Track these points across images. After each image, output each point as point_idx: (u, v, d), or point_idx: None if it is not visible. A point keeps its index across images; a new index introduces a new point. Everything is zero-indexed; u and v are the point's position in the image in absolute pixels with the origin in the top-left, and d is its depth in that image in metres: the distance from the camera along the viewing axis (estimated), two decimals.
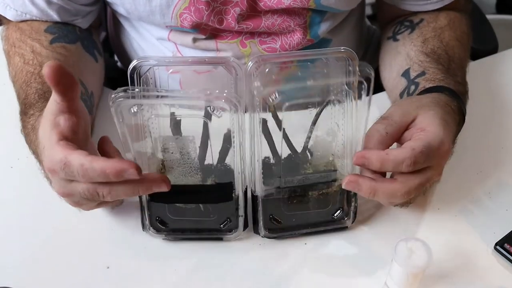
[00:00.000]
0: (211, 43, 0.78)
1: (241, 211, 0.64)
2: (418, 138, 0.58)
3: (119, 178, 0.52)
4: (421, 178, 0.59)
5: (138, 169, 0.52)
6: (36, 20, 0.76)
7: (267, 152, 0.63)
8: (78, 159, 0.52)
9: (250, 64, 0.58)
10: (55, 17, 0.76)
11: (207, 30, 0.77)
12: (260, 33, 0.77)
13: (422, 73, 0.72)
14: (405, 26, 0.81)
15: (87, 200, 0.57)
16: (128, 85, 0.58)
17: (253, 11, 0.74)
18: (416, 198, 0.66)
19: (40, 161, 0.63)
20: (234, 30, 0.76)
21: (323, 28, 0.79)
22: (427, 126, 0.60)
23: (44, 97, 0.68)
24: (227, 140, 0.62)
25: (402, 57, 0.78)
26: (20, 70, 0.73)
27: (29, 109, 0.68)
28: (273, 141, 0.62)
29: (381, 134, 0.60)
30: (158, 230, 0.65)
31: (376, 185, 0.58)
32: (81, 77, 0.73)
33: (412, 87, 0.72)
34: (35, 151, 0.65)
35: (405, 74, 0.75)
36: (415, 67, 0.74)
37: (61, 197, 0.58)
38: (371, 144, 0.59)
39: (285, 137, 0.63)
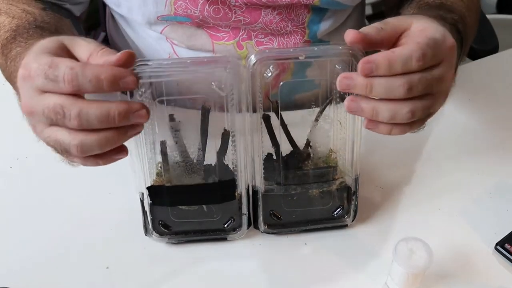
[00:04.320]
0: (207, 43, 0.77)
1: (244, 210, 0.64)
2: (419, 35, 0.53)
3: (114, 86, 0.47)
4: (432, 75, 0.52)
5: (137, 77, 0.48)
6: None
7: (269, 148, 0.64)
8: (68, 61, 0.47)
9: (252, 60, 0.58)
10: None
11: (201, 25, 0.76)
12: (257, 33, 0.77)
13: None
14: (408, 0, 0.77)
15: (44, 125, 0.50)
16: None
17: (253, 4, 0.73)
18: (425, 114, 0.55)
19: (16, 88, 0.56)
20: (231, 21, 0.75)
21: (322, 28, 0.79)
22: (425, 26, 0.55)
23: (40, 28, 0.64)
24: (225, 139, 0.62)
25: None
26: (8, 23, 0.67)
27: (19, 36, 0.63)
28: (276, 138, 0.62)
29: (376, 27, 0.54)
30: (161, 234, 0.65)
31: (377, 102, 0.52)
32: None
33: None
34: (14, 80, 0.59)
35: None
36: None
37: (24, 115, 0.51)
38: (365, 31, 0.53)
39: (287, 134, 0.63)
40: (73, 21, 0.76)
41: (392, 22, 0.55)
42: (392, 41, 0.55)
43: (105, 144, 0.49)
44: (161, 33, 0.78)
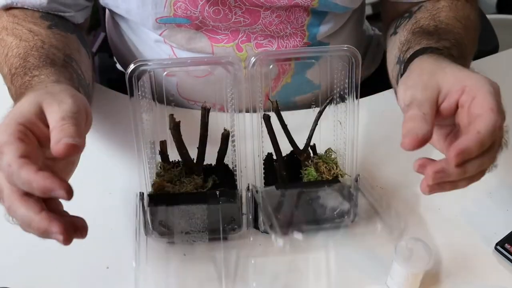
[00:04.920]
0: (207, 46, 0.77)
1: (244, 210, 0.64)
2: (483, 99, 0.52)
3: (45, 195, 0.47)
4: (501, 134, 0.53)
5: (69, 191, 0.47)
6: (27, 9, 0.73)
7: (269, 148, 0.64)
8: (11, 156, 0.47)
9: (252, 60, 0.58)
10: (47, 4, 0.73)
11: (200, 27, 0.76)
12: (256, 35, 0.77)
13: (407, 49, 0.69)
14: (405, 17, 0.79)
15: None
16: (126, 87, 0.58)
17: (253, 4, 0.73)
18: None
19: None
20: (231, 23, 0.75)
21: (322, 31, 0.79)
22: (466, 83, 0.53)
23: (52, 64, 0.64)
24: (225, 140, 0.63)
25: (396, 46, 0.75)
26: (16, 46, 0.68)
27: (33, 70, 0.63)
28: (276, 138, 0.62)
29: (420, 116, 0.52)
30: (162, 234, 0.65)
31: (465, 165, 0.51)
32: (81, 66, 0.71)
33: (401, 67, 0.69)
34: None
35: (398, 60, 0.72)
36: (402, 48, 0.71)
37: None
38: (424, 136, 0.51)
39: (287, 134, 0.63)
40: (78, 34, 0.76)
41: (425, 101, 0.53)
42: (435, 115, 0.54)
43: (43, 234, 0.49)
44: (163, 41, 0.78)
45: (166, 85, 0.63)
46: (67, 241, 0.49)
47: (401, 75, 0.66)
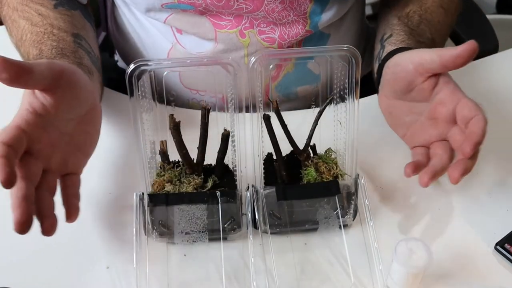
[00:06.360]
0: (210, 31, 0.78)
1: (244, 210, 0.64)
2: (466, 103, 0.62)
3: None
4: None
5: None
6: None
7: (269, 148, 0.64)
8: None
9: (252, 60, 0.58)
10: None
11: (204, 12, 0.77)
12: (259, 22, 0.78)
13: (390, 36, 0.75)
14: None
15: None
16: (126, 87, 0.58)
17: None
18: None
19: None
20: (234, 9, 0.76)
21: (324, 19, 0.80)
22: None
23: (63, 54, 0.67)
24: (225, 140, 0.63)
25: (384, 24, 0.80)
26: (29, 31, 0.71)
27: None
28: (276, 138, 0.62)
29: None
30: (161, 234, 0.65)
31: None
32: (89, 42, 0.74)
33: (381, 51, 0.74)
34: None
35: (381, 39, 0.77)
36: (387, 31, 0.77)
37: None
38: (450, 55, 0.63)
39: (287, 134, 0.63)
40: (81, 9, 0.78)
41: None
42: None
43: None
44: (164, 22, 0.79)
45: (169, 74, 0.64)
46: (21, 231, 0.52)
47: (380, 58, 0.73)
